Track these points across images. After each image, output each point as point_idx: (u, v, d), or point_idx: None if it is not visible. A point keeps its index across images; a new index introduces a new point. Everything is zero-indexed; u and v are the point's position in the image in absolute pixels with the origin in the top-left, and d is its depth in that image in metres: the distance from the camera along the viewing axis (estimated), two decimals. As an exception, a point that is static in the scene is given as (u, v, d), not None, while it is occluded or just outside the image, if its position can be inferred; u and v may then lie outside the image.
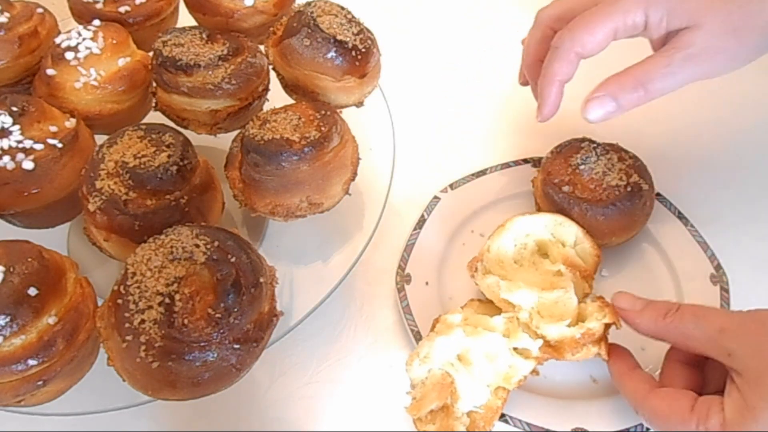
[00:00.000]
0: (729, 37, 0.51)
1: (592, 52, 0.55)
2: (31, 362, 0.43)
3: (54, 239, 0.59)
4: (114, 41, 0.60)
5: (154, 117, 0.61)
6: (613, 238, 0.59)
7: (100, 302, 0.48)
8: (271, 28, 0.63)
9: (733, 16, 0.51)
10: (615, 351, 0.51)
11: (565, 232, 0.57)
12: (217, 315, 0.41)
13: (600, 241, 0.58)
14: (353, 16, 0.61)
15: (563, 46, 0.55)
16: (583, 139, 0.62)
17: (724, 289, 0.57)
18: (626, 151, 0.62)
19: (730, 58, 0.52)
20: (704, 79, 0.53)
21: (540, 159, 0.68)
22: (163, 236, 0.45)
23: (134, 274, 0.42)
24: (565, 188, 0.59)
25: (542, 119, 0.58)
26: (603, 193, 0.58)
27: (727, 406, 0.42)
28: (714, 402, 0.43)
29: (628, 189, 0.58)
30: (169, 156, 0.51)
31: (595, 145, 0.62)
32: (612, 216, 0.57)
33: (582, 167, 0.60)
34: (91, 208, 0.49)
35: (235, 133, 0.58)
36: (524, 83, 0.64)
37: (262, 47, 0.62)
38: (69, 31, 0.60)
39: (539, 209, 0.62)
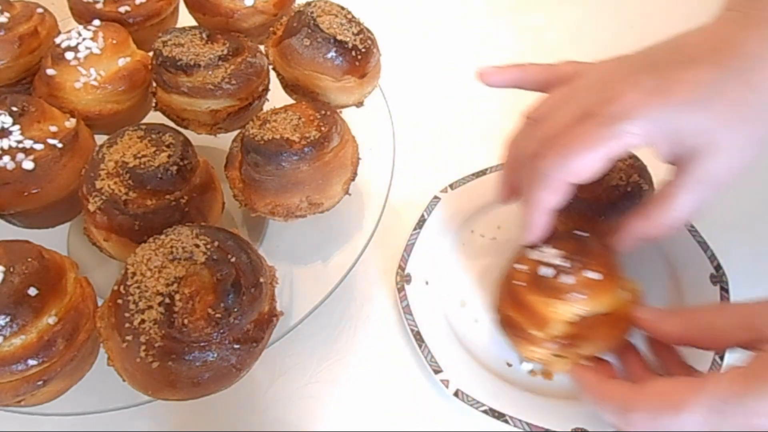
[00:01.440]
0: (752, 149, 0.45)
1: (584, 180, 0.47)
2: (31, 362, 0.43)
3: (54, 239, 0.59)
4: (114, 41, 0.60)
5: (154, 117, 0.61)
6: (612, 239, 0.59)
7: (100, 302, 0.48)
8: (271, 28, 0.63)
9: (758, 127, 0.45)
10: (582, 367, 0.48)
11: None
12: (217, 315, 0.41)
13: (600, 240, 0.58)
14: (353, 16, 0.61)
15: (553, 174, 0.47)
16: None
17: (724, 289, 0.57)
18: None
19: (750, 162, 0.46)
20: None
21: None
22: (163, 236, 0.45)
23: (134, 274, 0.42)
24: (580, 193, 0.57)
25: (527, 244, 0.52)
26: (603, 193, 0.57)
27: (752, 363, 0.39)
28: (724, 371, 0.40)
29: (628, 189, 0.57)
30: (169, 156, 0.51)
31: None
32: (611, 216, 0.57)
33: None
34: (91, 208, 0.49)
35: (235, 133, 0.58)
36: (508, 197, 0.55)
37: (262, 47, 0.62)
38: (69, 31, 0.60)
39: None
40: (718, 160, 0.45)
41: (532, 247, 0.52)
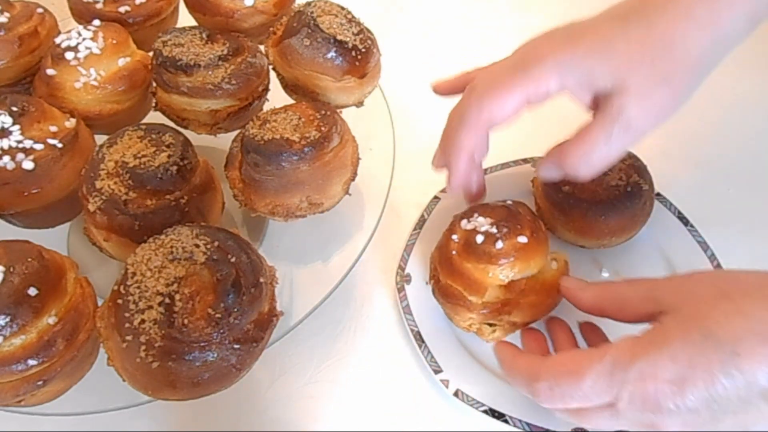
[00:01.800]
0: (660, 89, 0.47)
1: (501, 122, 0.50)
2: (31, 362, 0.43)
3: (54, 239, 0.59)
4: (114, 41, 0.60)
5: (154, 117, 0.61)
6: (612, 239, 0.59)
7: (100, 302, 0.48)
8: (271, 28, 0.63)
9: (658, 64, 0.47)
10: (502, 343, 0.49)
11: None
12: (217, 315, 0.41)
13: (599, 241, 0.58)
14: (353, 16, 0.61)
15: (470, 115, 0.50)
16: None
17: (724, 289, 0.57)
18: (626, 151, 0.61)
19: (667, 107, 0.48)
20: (644, 137, 0.49)
21: (540, 159, 0.68)
22: (163, 236, 0.45)
23: (134, 274, 0.42)
24: (565, 188, 0.58)
25: (452, 192, 0.54)
26: (603, 193, 0.58)
27: (647, 332, 0.41)
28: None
29: (628, 189, 0.57)
30: (169, 156, 0.51)
31: None
32: (611, 216, 0.57)
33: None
34: (91, 208, 0.49)
35: (235, 133, 0.58)
36: (440, 166, 0.55)
37: (262, 47, 0.62)
38: (69, 31, 0.60)
39: (539, 209, 0.62)
40: (629, 100, 0.47)
41: (465, 217, 0.54)
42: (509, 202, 0.55)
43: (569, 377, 0.41)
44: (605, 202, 0.57)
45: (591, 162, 0.48)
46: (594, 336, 0.52)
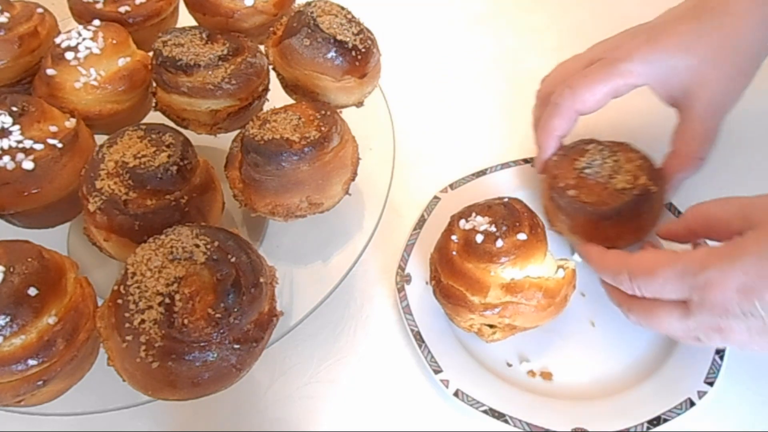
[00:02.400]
0: (735, 82, 0.55)
1: (591, 110, 0.58)
2: (31, 362, 0.43)
3: (54, 239, 0.59)
4: (114, 41, 0.60)
5: (154, 117, 0.61)
6: (620, 243, 0.58)
7: (100, 302, 0.48)
8: (271, 28, 0.63)
9: (734, 60, 0.55)
10: (587, 243, 0.54)
11: None
12: (217, 315, 0.41)
13: (607, 244, 0.57)
14: (353, 16, 0.61)
15: (564, 103, 0.58)
16: (590, 141, 0.61)
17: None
18: (635, 151, 0.60)
19: (737, 96, 0.56)
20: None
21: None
22: (163, 236, 0.45)
23: (134, 274, 0.42)
24: (570, 192, 0.58)
25: (540, 171, 0.62)
26: (609, 197, 0.56)
27: (725, 245, 0.44)
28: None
29: (635, 193, 0.56)
30: (169, 156, 0.51)
31: (601, 146, 0.60)
32: (618, 221, 0.56)
33: (587, 170, 0.58)
34: (91, 208, 0.49)
35: (235, 133, 0.58)
36: (543, 172, 0.63)
37: (262, 47, 0.62)
38: (69, 31, 0.60)
39: (546, 212, 0.62)
40: (709, 90, 0.55)
41: (463, 217, 0.55)
42: (505, 199, 0.55)
43: (644, 273, 0.46)
44: (611, 206, 0.56)
45: (700, 153, 0.57)
46: None
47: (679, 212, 0.63)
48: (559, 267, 0.53)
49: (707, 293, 0.42)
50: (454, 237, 0.54)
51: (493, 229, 0.52)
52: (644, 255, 0.48)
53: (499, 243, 0.51)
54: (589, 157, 0.59)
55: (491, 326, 0.54)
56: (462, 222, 0.54)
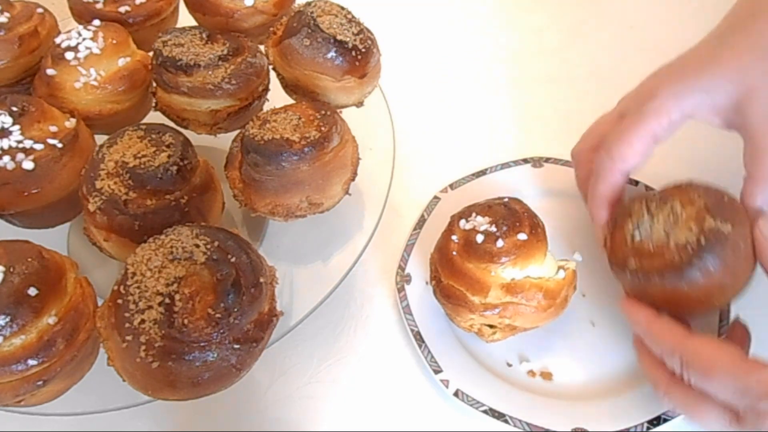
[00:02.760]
0: None
1: (635, 164, 0.51)
2: (31, 362, 0.43)
3: (54, 239, 0.59)
4: (114, 41, 0.60)
5: (154, 117, 0.61)
6: (715, 303, 0.47)
7: (100, 302, 0.48)
8: (271, 28, 0.63)
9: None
10: (633, 303, 0.49)
11: None
12: (217, 315, 0.41)
13: (700, 310, 0.48)
14: (353, 16, 0.61)
15: (604, 167, 0.52)
16: (634, 199, 0.51)
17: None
18: (696, 189, 0.49)
19: None
20: None
21: (540, 159, 0.68)
22: (163, 236, 0.45)
23: (134, 274, 0.42)
24: (631, 265, 0.48)
25: (601, 244, 0.54)
26: (675, 255, 0.46)
27: None
28: None
29: (703, 242, 0.44)
30: (169, 156, 0.51)
31: (648, 199, 0.50)
32: (696, 280, 0.45)
33: (637, 235, 0.48)
34: (91, 208, 0.49)
35: (235, 133, 0.58)
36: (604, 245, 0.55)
37: (262, 47, 0.62)
38: (69, 31, 0.60)
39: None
40: (761, 98, 0.47)
41: (463, 217, 0.54)
42: (506, 199, 0.55)
43: (702, 369, 0.42)
44: (680, 265, 0.45)
45: None
46: (736, 332, 0.49)
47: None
48: (559, 268, 0.53)
49: (765, 420, 0.40)
50: (454, 237, 0.54)
51: (493, 229, 0.52)
52: (706, 347, 0.43)
53: (500, 243, 0.51)
54: (635, 218, 0.49)
55: (491, 326, 0.54)
56: (462, 222, 0.54)
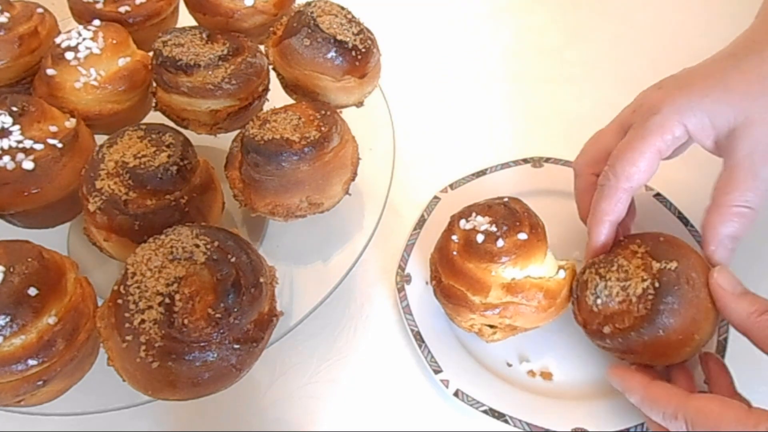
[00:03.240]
0: None
1: (641, 181, 0.50)
2: (31, 362, 0.43)
3: (54, 239, 0.59)
4: (114, 41, 0.60)
5: (154, 117, 0.61)
6: (696, 338, 0.46)
7: (100, 302, 0.48)
8: (271, 28, 0.63)
9: None
10: (622, 370, 0.49)
11: None
12: (217, 315, 0.41)
13: (687, 350, 0.47)
14: (353, 16, 0.61)
15: (608, 184, 0.51)
16: (583, 270, 0.52)
17: (724, 290, 0.56)
18: (632, 240, 0.51)
19: None
20: None
21: (540, 159, 0.68)
22: (163, 236, 0.45)
23: (134, 274, 0.42)
24: (606, 330, 0.49)
25: (590, 257, 0.53)
26: (640, 307, 0.46)
27: None
28: None
29: (657, 285, 0.46)
30: (169, 156, 0.51)
31: (595, 265, 0.51)
32: (667, 323, 0.45)
33: (599, 300, 0.49)
34: (91, 208, 0.49)
35: (235, 133, 0.58)
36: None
37: (262, 47, 0.62)
38: (69, 31, 0.60)
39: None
40: (757, 132, 0.47)
41: (463, 217, 0.54)
42: (505, 198, 0.55)
43: (709, 427, 0.41)
44: (646, 317, 0.46)
45: (751, 204, 0.47)
46: (719, 377, 0.47)
47: (671, 204, 0.60)
48: (560, 268, 0.53)
49: None
50: (454, 237, 0.54)
51: (493, 228, 0.52)
52: (709, 404, 0.42)
53: (500, 243, 0.51)
54: (591, 285, 0.50)
55: (492, 326, 0.54)
56: (462, 222, 0.54)
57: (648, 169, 0.50)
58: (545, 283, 0.51)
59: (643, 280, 0.47)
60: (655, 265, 0.47)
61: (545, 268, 0.53)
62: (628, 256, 0.50)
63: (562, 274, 0.53)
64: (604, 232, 0.52)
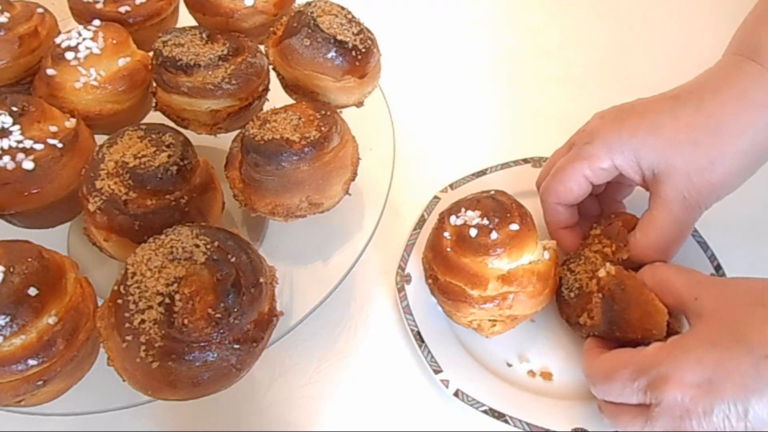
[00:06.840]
0: (706, 173, 0.48)
1: (569, 200, 0.55)
2: (31, 362, 0.43)
3: (54, 239, 0.59)
4: (114, 41, 0.60)
5: (154, 117, 0.61)
6: (655, 336, 0.47)
7: (100, 302, 0.48)
8: (271, 28, 0.63)
9: (702, 148, 0.47)
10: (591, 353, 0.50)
11: None
12: (217, 315, 0.41)
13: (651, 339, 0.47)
14: (353, 16, 0.61)
15: (545, 200, 0.57)
16: (561, 268, 0.57)
17: (724, 290, 0.57)
18: (593, 230, 0.57)
19: (717, 189, 0.48)
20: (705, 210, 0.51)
21: (540, 159, 0.68)
22: (163, 236, 0.45)
23: (134, 274, 0.42)
24: (582, 321, 0.53)
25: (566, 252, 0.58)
26: (591, 327, 0.52)
27: (673, 339, 0.43)
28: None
29: (600, 297, 0.51)
30: (169, 156, 0.51)
31: (567, 262, 0.57)
32: (622, 327, 0.49)
33: (572, 293, 0.54)
34: (91, 208, 0.49)
35: (235, 133, 0.58)
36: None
37: (262, 47, 0.62)
38: (69, 31, 0.60)
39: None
40: (678, 180, 0.49)
41: (453, 213, 0.55)
42: (492, 192, 0.55)
43: (603, 379, 0.45)
44: (602, 321, 0.50)
45: (661, 244, 0.51)
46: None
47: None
48: (544, 249, 0.54)
49: (663, 392, 0.40)
50: (446, 234, 0.54)
51: (485, 222, 0.53)
52: (603, 358, 0.46)
53: (494, 235, 0.52)
54: (564, 281, 0.55)
55: (491, 320, 0.54)
56: (452, 218, 0.54)
57: (576, 190, 0.54)
58: (536, 267, 0.52)
59: (604, 264, 0.52)
60: (601, 271, 0.51)
61: (534, 253, 0.54)
62: (592, 248, 0.56)
63: (546, 254, 0.54)
64: (560, 237, 0.57)
